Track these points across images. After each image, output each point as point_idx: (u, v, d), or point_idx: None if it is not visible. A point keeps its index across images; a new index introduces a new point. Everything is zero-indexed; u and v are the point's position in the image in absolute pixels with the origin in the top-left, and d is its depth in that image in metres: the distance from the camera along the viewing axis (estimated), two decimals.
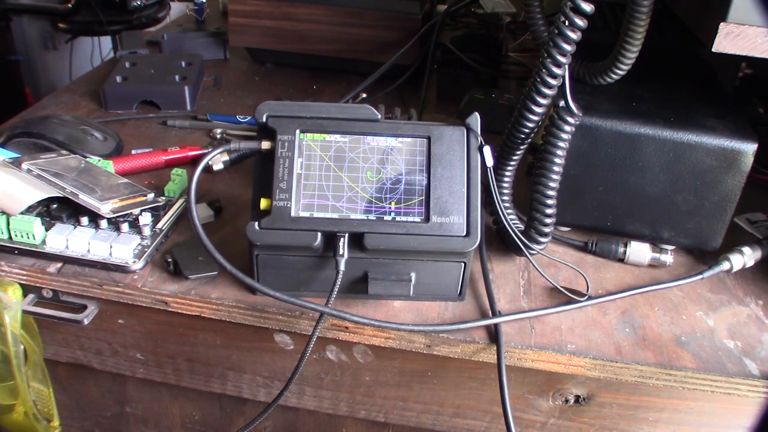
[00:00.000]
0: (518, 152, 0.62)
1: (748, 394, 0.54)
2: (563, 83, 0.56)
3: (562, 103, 0.57)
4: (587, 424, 0.60)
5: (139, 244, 0.60)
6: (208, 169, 0.75)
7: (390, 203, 0.54)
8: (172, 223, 0.64)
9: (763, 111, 0.87)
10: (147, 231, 0.61)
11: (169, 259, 0.59)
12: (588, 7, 0.52)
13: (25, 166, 0.63)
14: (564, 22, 0.53)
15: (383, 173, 0.55)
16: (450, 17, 1.16)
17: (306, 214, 0.53)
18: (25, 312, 0.61)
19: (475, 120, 0.55)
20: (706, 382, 0.54)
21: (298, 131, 0.54)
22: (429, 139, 0.55)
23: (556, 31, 0.54)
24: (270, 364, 0.62)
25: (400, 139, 0.55)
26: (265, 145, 0.54)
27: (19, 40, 1.85)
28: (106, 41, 2.05)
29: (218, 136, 0.84)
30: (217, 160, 0.75)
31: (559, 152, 0.58)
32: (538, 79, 0.56)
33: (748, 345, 0.56)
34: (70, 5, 1.75)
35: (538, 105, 0.57)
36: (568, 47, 0.54)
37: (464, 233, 0.53)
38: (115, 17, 1.77)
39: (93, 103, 0.90)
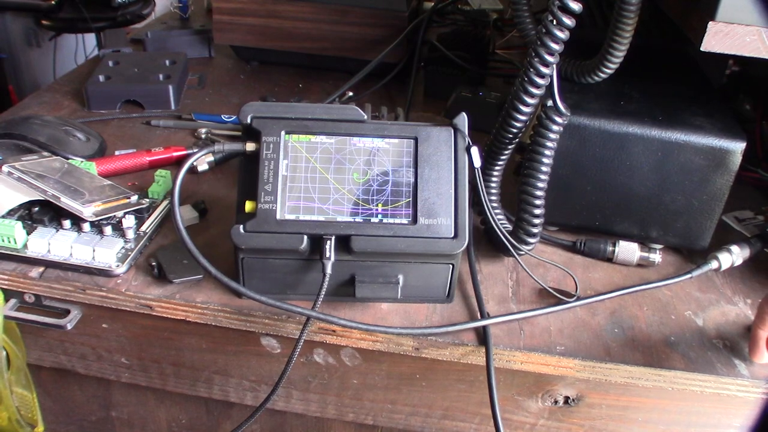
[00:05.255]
0: (506, 152, 0.62)
1: (738, 394, 0.54)
2: (551, 82, 0.56)
3: (550, 103, 0.57)
4: (577, 425, 0.60)
5: (123, 247, 0.59)
6: (192, 169, 0.74)
7: (377, 205, 0.53)
8: (157, 225, 0.63)
9: (750, 108, 0.87)
10: (130, 234, 0.61)
11: (153, 263, 0.58)
12: (576, 6, 0.52)
13: (5, 168, 0.62)
14: (552, 21, 0.53)
15: (370, 175, 0.54)
16: (437, 14, 1.15)
17: (292, 217, 0.52)
18: (6, 317, 0.60)
19: (463, 120, 0.54)
20: (695, 383, 0.54)
21: (283, 132, 0.54)
22: (416, 139, 0.54)
23: (544, 30, 0.53)
24: (257, 367, 0.62)
25: (386, 140, 0.54)
26: (250, 146, 0.54)
27: (2, 37, 1.83)
28: (91, 38, 2.03)
29: (203, 136, 0.82)
30: (202, 160, 0.74)
31: (547, 152, 0.57)
32: (526, 79, 0.55)
33: (737, 344, 0.56)
34: (53, 2, 1.73)
35: (526, 104, 0.57)
36: (556, 46, 0.53)
37: (452, 235, 0.52)
38: (99, 14, 1.75)
39: (76, 103, 0.89)
